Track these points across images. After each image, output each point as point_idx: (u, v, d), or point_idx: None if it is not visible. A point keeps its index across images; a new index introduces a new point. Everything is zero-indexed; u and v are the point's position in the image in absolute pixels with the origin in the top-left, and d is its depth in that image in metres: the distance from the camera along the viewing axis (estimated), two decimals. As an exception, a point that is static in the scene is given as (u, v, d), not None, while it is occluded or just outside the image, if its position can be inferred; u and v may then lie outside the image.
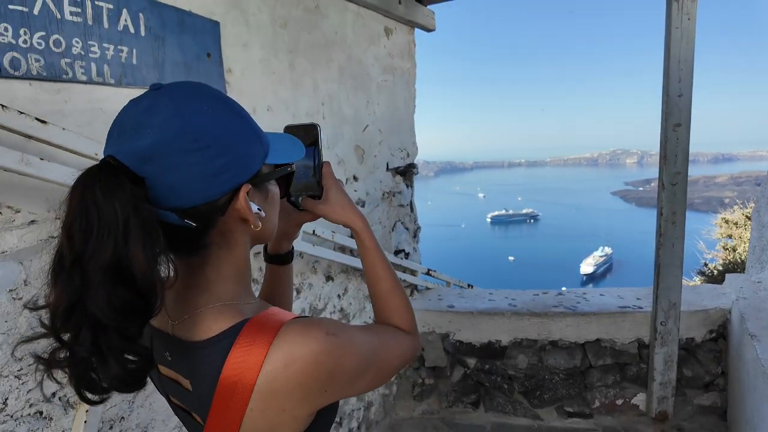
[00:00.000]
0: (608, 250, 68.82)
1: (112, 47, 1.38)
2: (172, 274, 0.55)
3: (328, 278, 2.29)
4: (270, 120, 1.93)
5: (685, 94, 2.37)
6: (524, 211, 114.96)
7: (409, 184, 3.00)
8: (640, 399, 2.70)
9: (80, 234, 0.47)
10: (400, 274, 2.72)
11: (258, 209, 0.59)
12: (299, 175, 0.73)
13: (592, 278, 62.93)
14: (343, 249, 2.31)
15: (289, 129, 0.77)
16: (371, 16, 2.50)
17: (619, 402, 2.73)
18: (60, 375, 0.50)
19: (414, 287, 3.07)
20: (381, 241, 2.74)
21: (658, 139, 2.52)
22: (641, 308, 2.71)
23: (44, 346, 0.50)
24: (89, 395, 0.50)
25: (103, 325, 0.47)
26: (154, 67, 1.49)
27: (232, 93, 1.76)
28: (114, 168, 0.50)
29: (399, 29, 2.75)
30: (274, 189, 0.66)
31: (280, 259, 0.85)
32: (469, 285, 3.95)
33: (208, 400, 0.54)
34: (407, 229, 2.99)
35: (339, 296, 2.37)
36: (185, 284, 0.59)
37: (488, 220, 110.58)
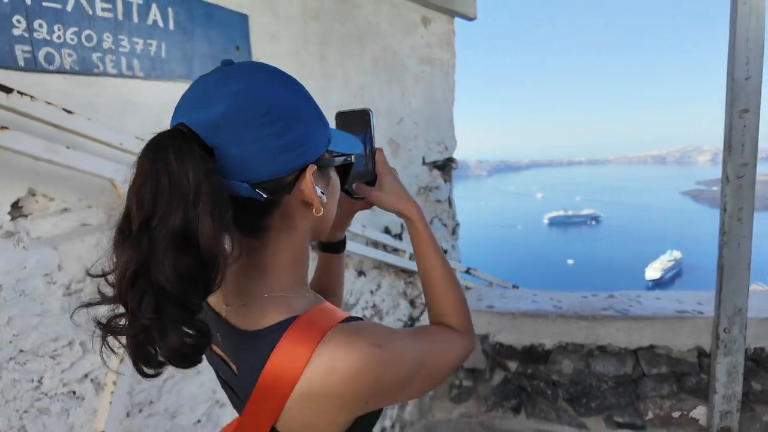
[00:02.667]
0: (677, 254, 64.59)
1: (141, 41, 1.42)
2: (233, 252, 0.52)
3: (360, 273, 2.26)
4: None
5: (754, 77, 2.14)
6: (585, 212, 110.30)
7: (448, 179, 2.92)
8: (699, 413, 2.47)
9: (150, 197, 0.45)
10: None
11: (321, 193, 0.57)
12: (356, 159, 0.69)
13: (659, 284, 59.25)
14: (375, 244, 2.28)
15: (341, 114, 0.76)
16: (407, 5, 2.45)
17: (676, 414, 2.50)
18: (115, 344, 0.49)
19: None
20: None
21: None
22: (702, 313, 2.48)
23: (98, 314, 0.49)
24: (145, 368, 0.49)
25: (167, 293, 0.45)
26: (183, 60, 1.52)
27: (261, 85, 1.78)
28: (185, 135, 0.49)
29: (437, 18, 2.67)
30: (335, 177, 0.64)
31: (333, 247, 0.85)
32: (514, 286, 3.80)
33: (250, 387, 0.55)
34: (445, 225, 2.91)
35: (372, 292, 2.34)
36: (243, 270, 0.59)
37: (545, 221, 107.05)
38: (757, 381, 2.40)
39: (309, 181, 0.54)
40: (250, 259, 0.57)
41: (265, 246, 0.57)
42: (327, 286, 0.85)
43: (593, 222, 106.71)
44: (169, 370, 0.87)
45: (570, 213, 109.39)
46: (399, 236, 2.47)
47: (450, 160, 2.91)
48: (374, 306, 2.36)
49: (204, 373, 1.61)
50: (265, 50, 1.77)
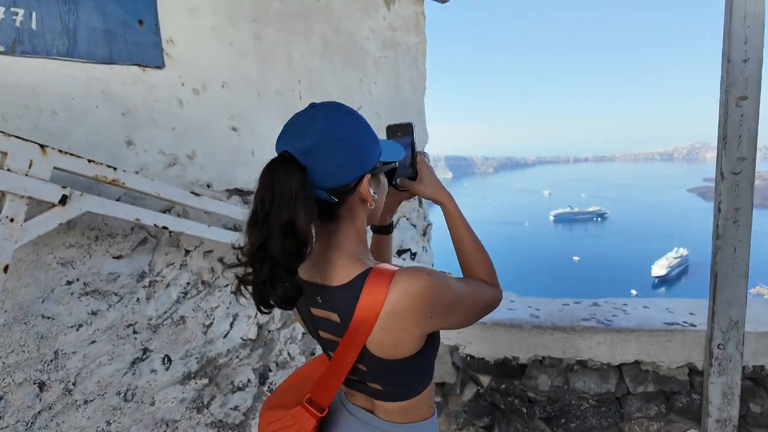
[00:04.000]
0: (683, 251, 63.98)
1: (1, 9, 1.18)
2: (316, 233, 0.83)
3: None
4: (227, 97, 1.68)
5: (753, 59, 1.87)
6: (590, 209, 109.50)
7: (418, 176, 2.67)
8: (690, 436, 2.21)
9: (268, 201, 0.71)
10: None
11: (373, 193, 0.82)
12: (400, 162, 0.92)
13: (665, 281, 58.77)
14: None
15: (390, 127, 0.98)
16: (365, -18, 2.19)
17: (664, 438, 2.25)
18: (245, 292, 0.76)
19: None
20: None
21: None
22: (694, 326, 2.22)
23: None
24: (262, 308, 0.76)
25: (276, 260, 0.71)
26: (63, 34, 1.28)
27: (173, 66, 1.53)
28: (288, 159, 0.74)
29: (403, -2, 2.42)
30: (384, 180, 0.90)
31: (384, 229, 1.08)
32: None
33: (349, 323, 0.77)
34: (414, 225, 2.66)
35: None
36: (325, 246, 0.83)
37: (551, 218, 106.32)
38: (755, 402, 2.14)
39: (365, 185, 0.80)
40: (330, 237, 0.82)
41: (338, 228, 0.82)
42: (378, 260, 0.98)
43: (599, 219, 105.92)
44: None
45: (576, 210, 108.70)
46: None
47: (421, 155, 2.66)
48: (325, 316, 2.13)
49: (94, 402, 1.38)
50: (179, 25, 1.53)
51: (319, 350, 2.10)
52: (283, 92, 1.87)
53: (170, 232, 1.45)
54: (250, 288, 0.75)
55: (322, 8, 2.02)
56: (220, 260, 1.69)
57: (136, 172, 1.43)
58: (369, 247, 1.01)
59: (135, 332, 1.47)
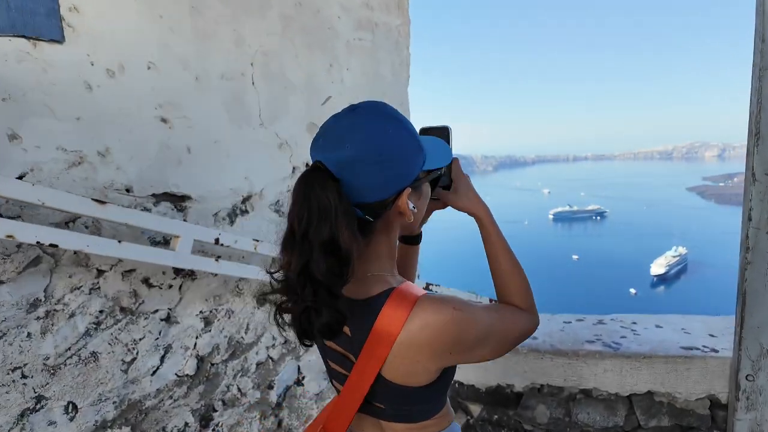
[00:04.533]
0: (682, 249, 63.86)
1: None
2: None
3: (262, 301, 1.71)
4: (154, 81, 1.37)
5: (793, 38, 1.56)
6: (590, 208, 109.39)
7: (401, 176, 2.36)
8: (712, 480, 1.91)
9: (306, 215, 0.65)
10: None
11: (413, 207, 0.76)
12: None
13: (664, 279, 58.62)
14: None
15: (424, 129, 0.88)
16: (335, -49, 1.88)
17: (681, 480, 1.95)
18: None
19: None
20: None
21: (745, 126, 1.73)
22: (716, 351, 1.92)
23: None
24: (305, 340, 0.71)
25: (320, 282, 0.65)
26: None
27: (78, 41, 1.22)
28: (323, 171, 0.68)
29: (381, -27, 2.11)
30: (426, 189, 0.82)
31: (413, 240, 0.99)
32: (491, 300, 3.24)
33: (362, 342, 0.73)
34: (397, 232, 2.35)
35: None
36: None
37: (550, 216, 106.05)
38: (787, 442, 1.84)
39: (404, 200, 0.74)
40: (360, 251, 0.72)
41: (371, 242, 0.76)
42: (404, 272, 0.97)
43: (598, 218, 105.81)
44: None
45: (575, 208, 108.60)
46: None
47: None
48: (286, 342, 1.81)
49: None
50: (87, -10, 1.21)
51: (277, 383, 1.79)
52: (231, 77, 1.56)
53: (68, 250, 1.14)
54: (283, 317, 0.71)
55: (282, -20, 1.71)
56: (145, 281, 1.38)
57: (23, 175, 1.12)
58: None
59: (24, 376, 1.16)
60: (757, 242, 1.68)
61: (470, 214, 0.89)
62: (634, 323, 2.26)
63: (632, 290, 55.70)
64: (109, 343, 1.32)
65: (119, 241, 1.19)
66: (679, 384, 1.93)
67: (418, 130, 0.84)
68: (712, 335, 2.06)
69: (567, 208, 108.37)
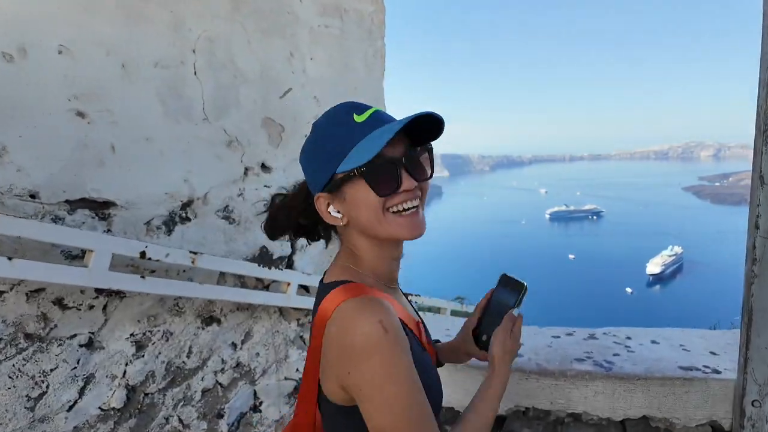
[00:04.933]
0: (678, 249, 64.00)
1: None
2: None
3: (209, 320, 1.51)
4: (67, 68, 1.17)
5: (808, 23, 1.38)
6: (586, 207, 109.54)
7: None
8: None
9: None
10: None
11: (337, 212, 0.76)
12: (493, 314, 0.89)
13: (660, 279, 58.66)
14: (242, 281, 1.53)
15: (505, 276, 0.91)
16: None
17: None
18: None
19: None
20: (325, 256, 1.92)
21: (741, 125, 1.56)
22: (718, 372, 1.73)
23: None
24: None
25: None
26: None
27: (-38, 16, 1.02)
28: None
29: (350, -47, 1.91)
30: (352, 191, 0.73)
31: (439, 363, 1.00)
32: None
33: (312, 323, 0.75)
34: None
35: (234, 345, 1.59)
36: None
37: (547, 216, 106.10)
38: (797, 474, 1.66)
39: (320, 205, 0.76)
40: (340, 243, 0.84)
41: (341, 240, 0.83)
42: None
43: (595, 217, 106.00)
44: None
45: (572, 208, 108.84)
46: (280, 261, 1.72)
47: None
48: (238, 365, 1.61)
49: None
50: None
51: (229, 411, 1.60)
52: (167, 65, 1.36)
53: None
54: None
55: (231, -44, 1.51)
56: (58, 302, 1.18)
57: None
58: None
59: None
60: (764, 253, 1.50)
61: (491, 363, 0.84)
62: (629, 338, 2.07)
63: (628, 289, 55.75)
64: (10, 377, 1.12)
65: (9, 258, 0.99)
66: (677, 408, 1.74)
67: (500, 276, 0.90)
68: (713, 353, 1.88)
69: (563, 208, 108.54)
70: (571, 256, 72.55)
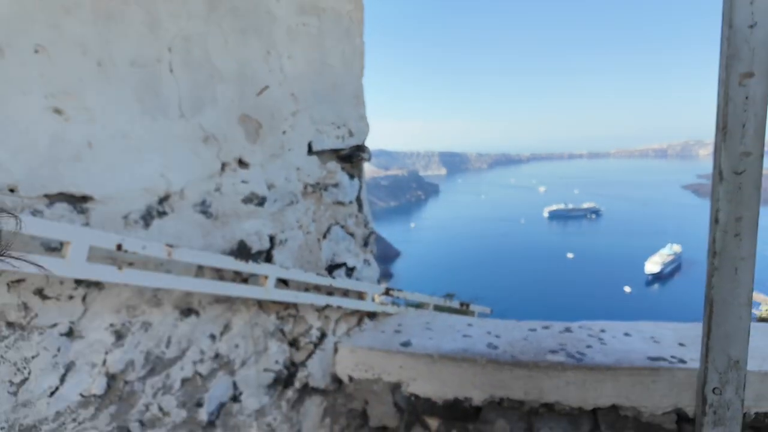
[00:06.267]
0: (677, 248, 64.06)
1: None
2: None
3: (187, 312, 1.56)
4: (44, 67, 1.22)
5: (762, 24, 1.43)
6: (585, 206, 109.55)
7: (356, 175, 2.21)
8: (679, 499, 1.79)
9: None
10: (329, 299, 1.95)
11: None
12: None
13: (659, 278, 58.71)
14: (220, 274, 1.59)
15: None
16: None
17: (647, 500, 1.82)
18: None
19: (365, 314, 2.29)
20: (305, 251, 1.98)
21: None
22: (684, 362, 1.79)
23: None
24: None
25: None
26: None
27: (-59, 18, 1.07)
28: None
29: (328, -46, 1.96)
30: None
31: None
32: (463, 304, 3.11)
33: None
34: (351, 234, 2.21)
35: (213, 337, 1.64)
36: None
37: (545, 214, 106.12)
38: (759, 459, 1.71)
39: None
40: None
41: None
42: None
43: (593, 216, 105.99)
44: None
45: (570, 206, 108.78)
46: (259, 255, 1.77)
47: (359, 149, 2.21)
48: (217, 356, 1.67)
49: None
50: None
51: (208, 401, 1.65)
52: (143, 63, 1.41)
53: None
54: None
55: (208, -42, 1.56)
56: (39, 292, 1.23)
57: None
58: None
59: None
60: (724, 246, 1.55)
61: None
62: (603, 331, 2.12)
63: (627, 288, 55.82)
64: (-10, 363, 1.17)
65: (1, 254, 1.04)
66: (645, 397, 1.80)
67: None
68: (681, 344, 1.93)
69: (562, 206, 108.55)
70: (570, 255, 72.59)
